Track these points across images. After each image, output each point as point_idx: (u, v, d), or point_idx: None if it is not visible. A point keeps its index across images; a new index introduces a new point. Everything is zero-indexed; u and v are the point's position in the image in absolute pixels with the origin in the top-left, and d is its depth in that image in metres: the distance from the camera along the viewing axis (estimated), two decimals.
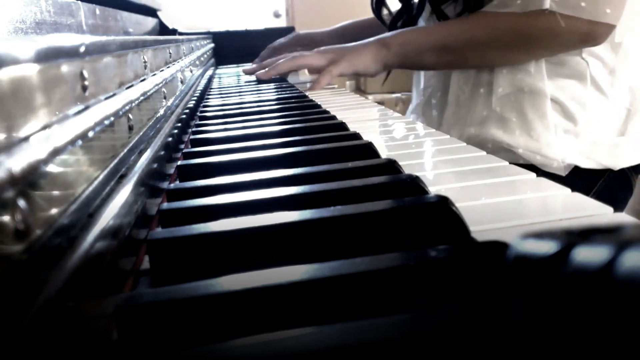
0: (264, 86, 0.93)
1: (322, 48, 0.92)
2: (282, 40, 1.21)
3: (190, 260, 0.24)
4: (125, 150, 0.30)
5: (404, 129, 0.56)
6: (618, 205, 0.78)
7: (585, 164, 0.75)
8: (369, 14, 1.12)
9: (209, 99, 0.81)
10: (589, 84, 0.75)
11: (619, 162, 0.76)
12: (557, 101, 0.75)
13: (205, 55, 1.09)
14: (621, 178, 0.79)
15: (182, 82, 0.62)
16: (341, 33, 1.17)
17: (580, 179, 0.75)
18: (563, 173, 0.74)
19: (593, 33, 0.70)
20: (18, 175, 0.15)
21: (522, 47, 0.75)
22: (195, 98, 0.70)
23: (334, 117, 0.57)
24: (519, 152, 0.75)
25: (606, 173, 0.77)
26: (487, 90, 0.80)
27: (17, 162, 0.15)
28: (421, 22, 0.90)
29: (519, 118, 0.76)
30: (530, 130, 0.76)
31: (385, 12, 1.04)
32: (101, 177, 0.24)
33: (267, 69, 0.96)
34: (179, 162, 0.41)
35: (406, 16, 0.95)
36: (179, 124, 0.49)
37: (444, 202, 0.26)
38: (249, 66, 1.07)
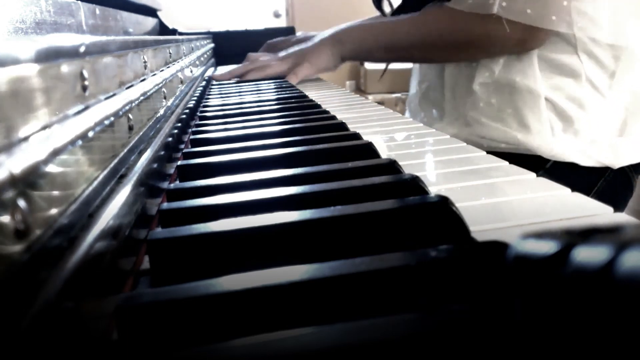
0: (264, 86, 0.93)
1: (283, 54, 0.99)
2: (282, 39, 1.21)
3: (190, 260, 0.24)
4: (125, 150, 0.30)
5: (404, 129, 0.56)
6: (619, 205, 0.78)
7: (585, 162, 0.75)
8: (369, 14, 1.12)
9: (209, 99, 0.81)
10: (584, 82, 0.75)
11: (618, 160, 0.76)
12: (552, 102, 0.75)
13: (205, 55, 1.09)
14: (622, 177, 0.79)
15: (182, 82, 0.62)
16: None
17: (580, 179, 0.75)
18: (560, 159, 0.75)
19: (529, 38, 0.73)
20: (18, 176, 0.15)
21: (462, 48, 0.79)
22: (195, 98, 0.70)
23: (334, 117, 0.57)
24: (517, 138, 0.76)
25: (607, 172, 0.77)
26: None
27: (17, 162, 0.15)
28: None
29: (515, 115, 0.77)
30: (526, 124, 0.76)
31: (386, 5, 1.04)
32: (101, 177, 0.24)
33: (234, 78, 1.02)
34: (179, 162, 0.41)
35: (407, 10, 0.95)
36: (179, 124, 0.49)
37: (444, 202, 0.26)
38: (222, 71, 1.11)
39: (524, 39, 0.73)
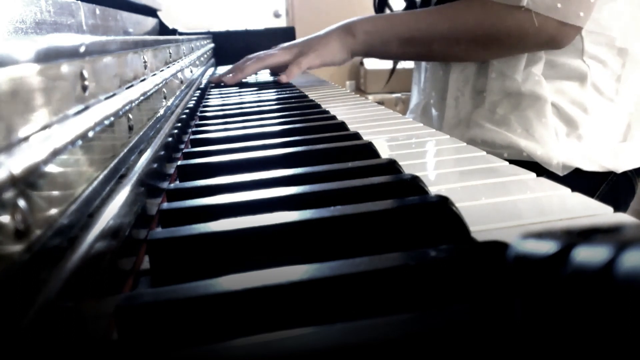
0: (263, 86, 0.93)
1: (286, 44, 0.90)
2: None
3: (190, 260, 0.24)
4: (125, 150, 0.30)
5: (404, 129, 0.56)
6: (620, 208, 0.77)
7: (588, 166, 0.75)
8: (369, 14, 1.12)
9: (209, 98, 0.81)
10: (590, 86, 0.74)
11: (621, 165, 0.76)
12: (557, 106, 0.75)
13: (206, 55, 1.09)
14: (624, 181, 0.78)
15: (182, 82, 0.62)
16: None
17: (583, 182, 0.75)
18: (561, 173, 0.74)
19: (561, 35, 0.70)
20: (18, 176, 0.15)
21: (488, 43, 0.74)
22: (195, 98, 0.70)
23: (334, 117, 0.57)
24: (521, 146, 0.75)
25: (609, 177, 0.77)
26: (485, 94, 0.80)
27: (17, 162, 0.15)
28: None
29: (520, 121, 0.76)
30: (531, 131, 0.75)
31: (388, 11, 1.03)
32: (101, 177, 0.24)
33: (233, 74, 0.94)
34: (179, 162, 0.41)
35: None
36: (179, 124, 0.49)
37: (444, 202, 0.26)
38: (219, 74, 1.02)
39: (553, 35, 0.70)
